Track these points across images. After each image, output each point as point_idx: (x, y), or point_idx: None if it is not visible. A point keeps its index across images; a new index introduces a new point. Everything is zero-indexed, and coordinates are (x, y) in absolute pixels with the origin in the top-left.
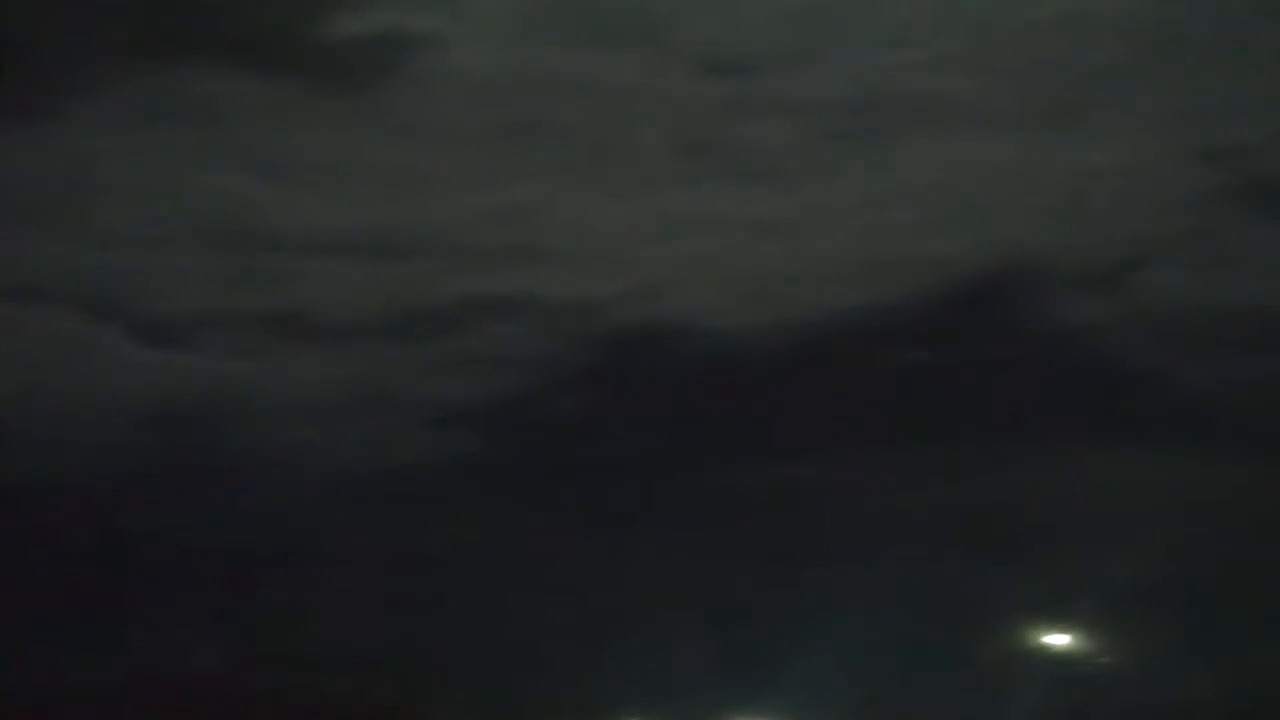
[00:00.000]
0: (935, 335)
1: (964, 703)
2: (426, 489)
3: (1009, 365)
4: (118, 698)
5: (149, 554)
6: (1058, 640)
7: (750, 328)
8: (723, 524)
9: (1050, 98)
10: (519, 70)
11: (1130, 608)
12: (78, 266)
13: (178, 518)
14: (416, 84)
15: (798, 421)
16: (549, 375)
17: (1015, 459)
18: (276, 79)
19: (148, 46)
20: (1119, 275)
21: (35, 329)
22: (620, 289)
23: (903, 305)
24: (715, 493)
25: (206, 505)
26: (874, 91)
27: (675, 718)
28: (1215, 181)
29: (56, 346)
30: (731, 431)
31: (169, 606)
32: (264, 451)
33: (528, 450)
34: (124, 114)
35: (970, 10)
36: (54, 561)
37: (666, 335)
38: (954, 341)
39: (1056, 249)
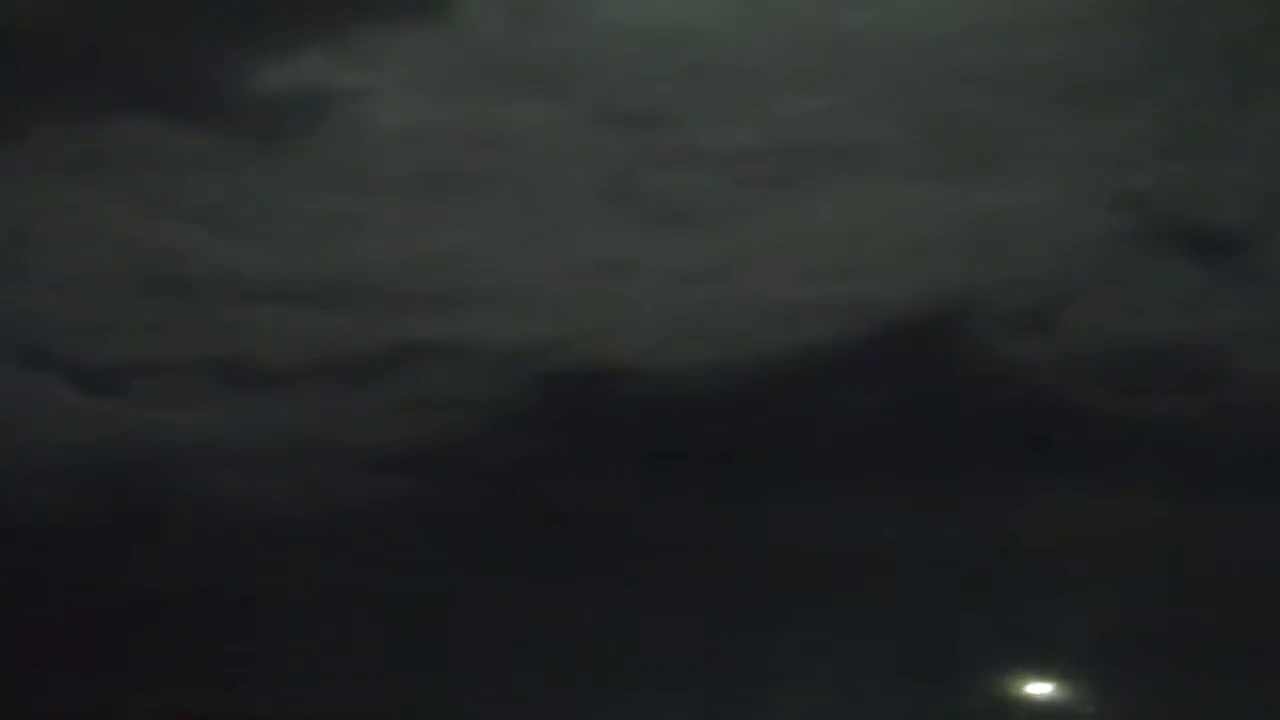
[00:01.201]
0: (867, 376)
1: None
2: (365, 534)
3: (941, 404)
4: None
5: (82, 602)
6: (1039, 690)
7: (685, 370)
8: (667, 569)
9: (963, 145)
10: (444, 122)
11: (1098, 653)
12: (12, 314)
13: (111, 566)
14: (345, 135)
15: (737, 464)
16: (487, 420)
17: (957, 497)
18: (209, 130)
19: (83, 98)
20: (1041, 315)
21: None
22: (556, 332)
23: (833, 346)
24: (658, 537)
25: (141, 553)
26: (791, 140)
27: None
28: (1126, 224)
29: None
30: (672, 474)
31: (102, 656)
32: (201, 499)
33: (466, 495)
34: (58, 164)
35: (882, 60)
36: None
37: (604, 378)
38: (886, 382)
39: (978, 290)
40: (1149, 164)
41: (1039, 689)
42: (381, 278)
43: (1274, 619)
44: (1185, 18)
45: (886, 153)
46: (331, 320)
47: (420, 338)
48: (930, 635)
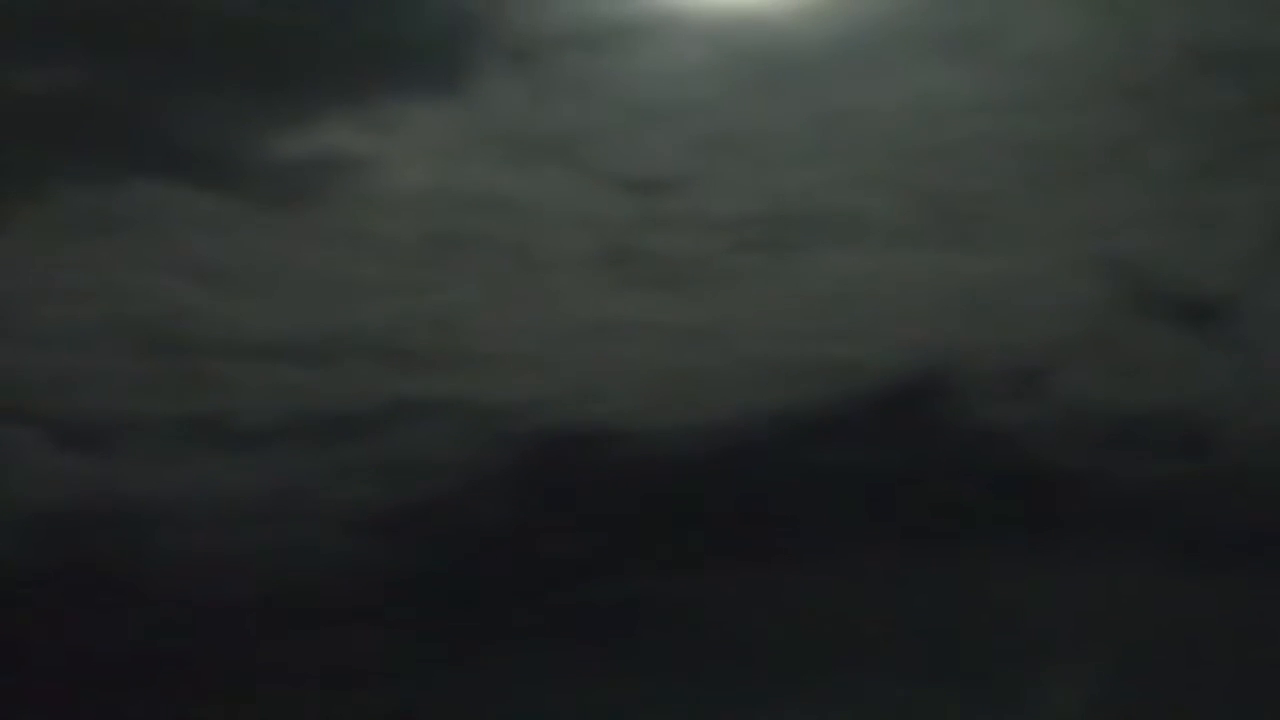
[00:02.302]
0: (854, 438)
1: None
2: (335, 599)
3: (928, 468)
4: None
5: (54, 660)
6: None
7: (672, 431)
8: (648, 635)
9: (955, 213)
10: (451, 188)
11: None
12: (2, 369)
13: (84, 625)
14: (354, 200)
15: (725, 528)
16: (467, 481)
17: (946, 561)
18: (222, 193)
19: (102, 160)
20: (1031, 380)
21: None
22: (544, 393)
23: (821, 408)
24: (641, 602)
25: (113, 613)
26: (788, 208)
27: None
28: (1114, 290)
29: None
30: (654, 538)
31: (72, 714)
32: (169, 559)
33: (442, 559)
34: (69, 223)
35: (880, 134)
36: None
37: (589, 439)
38: (873, 444)
39: (967, 354)
40: (1137, 232)
41: None
42: (373, 337)
43: (1268, 687)
44: (1171, 95)
45: (880, 221)
46: (320, 378)
47: (407, 397)
48: (913, 706)
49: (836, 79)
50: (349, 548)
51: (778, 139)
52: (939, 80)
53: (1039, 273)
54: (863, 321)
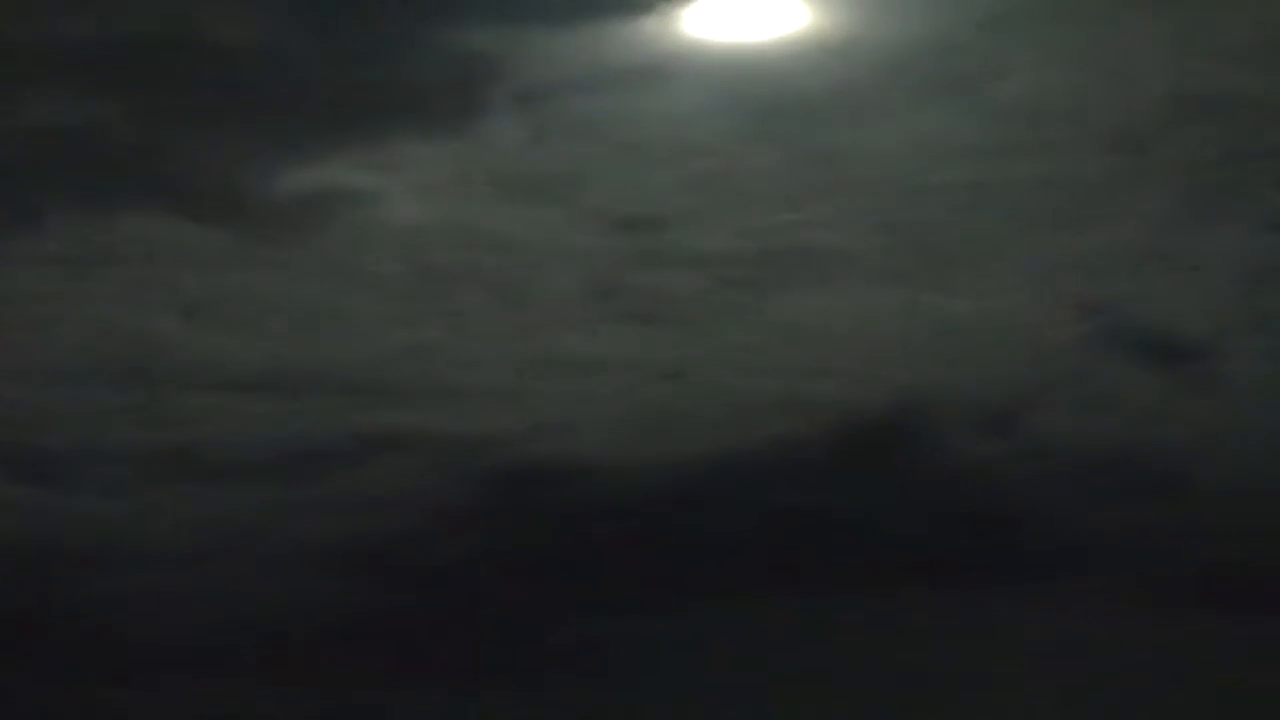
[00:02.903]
0: (826, 476)
1: None
2: (291, 639)
3: (899, 508)
4: None
5: (4, 704)
6: None
7: (641, 467)
8: (613, 677)
9: (937, 254)
10: (444, 224)
11: None
12: None
13: (36, 665)
14: (346, 235)
15: (691, 569)
16: (431, 518)
17: (914, 604)
18: (216, 227)
19: (99, 193)
20: (1003, 420)
21: None
22: (516, 428)
23: (794, 445)
24: (606, 643)
25: (67, 653)
26: (772, 246)
27: None
28: (1089, 331)
29: None
30: (622, 578)
31: None
32: (121, 597)
33: (406, 598)
34: (59, 255)
35: (863, 176)
36: None
37: (560, 474)
38: (844, 482)
39: (941, 393)
40: (1114, 276)
41: None
42: (350, 370)
43: None
44: (1153, 142)
45: (860, 260)
46: (292, 412)
47: (377, 432)
48: None
49: (830, 122)
50: (307, 586)
51: (768, 179)
52: (929, 125)
53: (1016, 313)
54: (839, 359)
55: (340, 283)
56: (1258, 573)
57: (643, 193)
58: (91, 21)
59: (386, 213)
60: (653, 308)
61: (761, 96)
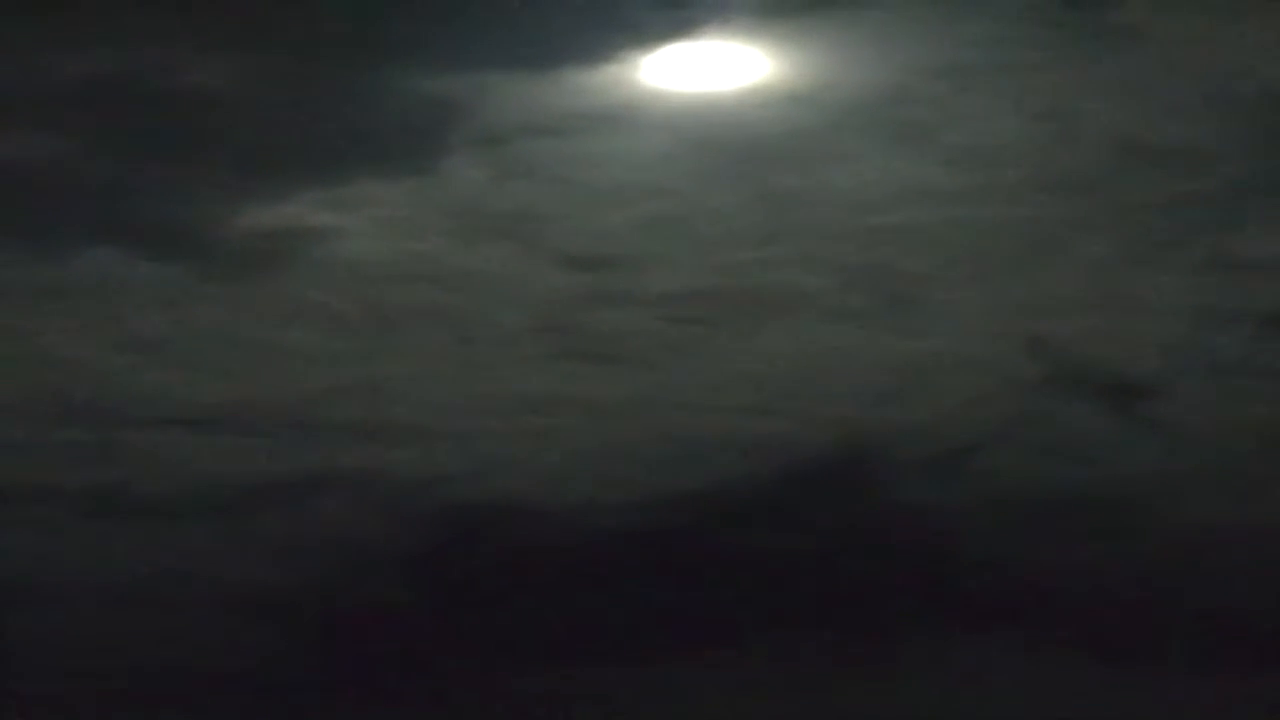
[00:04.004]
0: (773, 517)
1: None
2: (215, 687)
3: (846, 550)
4: None
5: None
6: None
7: (586, 508)
8: None
9: (889, 295)
10: (400, 262)
11: None
12: None
13: None
14: (305, 272)
15: (637, 613)
16: (369, 559)
17: (866, 649)
18: (173, 264)
19: (59, 229)
20: (953, 460)
21: None
22: (460, 467)
23: (742, 486)
24: (549, 692)
25: None
26: (725, 286)
27: None
28: (1041, 372)
29: None
30: (565, 624)
31: None
32: (44, 640)
33: (340, 643)
34: (13, 291)
35: (821, 218)
36: None
37: (502, 515)
38: (791, 524)
39: (892, 432)
40: (1065, 317)
41: None
42: (296, 408)
43: None
44: (1101, 188)
45: (814, 299)
46: (234, 449)
47: (319, 470)
48: None
49: (787, 167)
50: (241, 630)
51: (723, 220)
52: (882, 169)
53: (968, 353)
54: (791, 399)
55: (292, 319)
56: (1210, 616)
57: (598, 233)
58: (51, 60)
59: (343, 251)
60: (604, 347)
61: (720, 142)
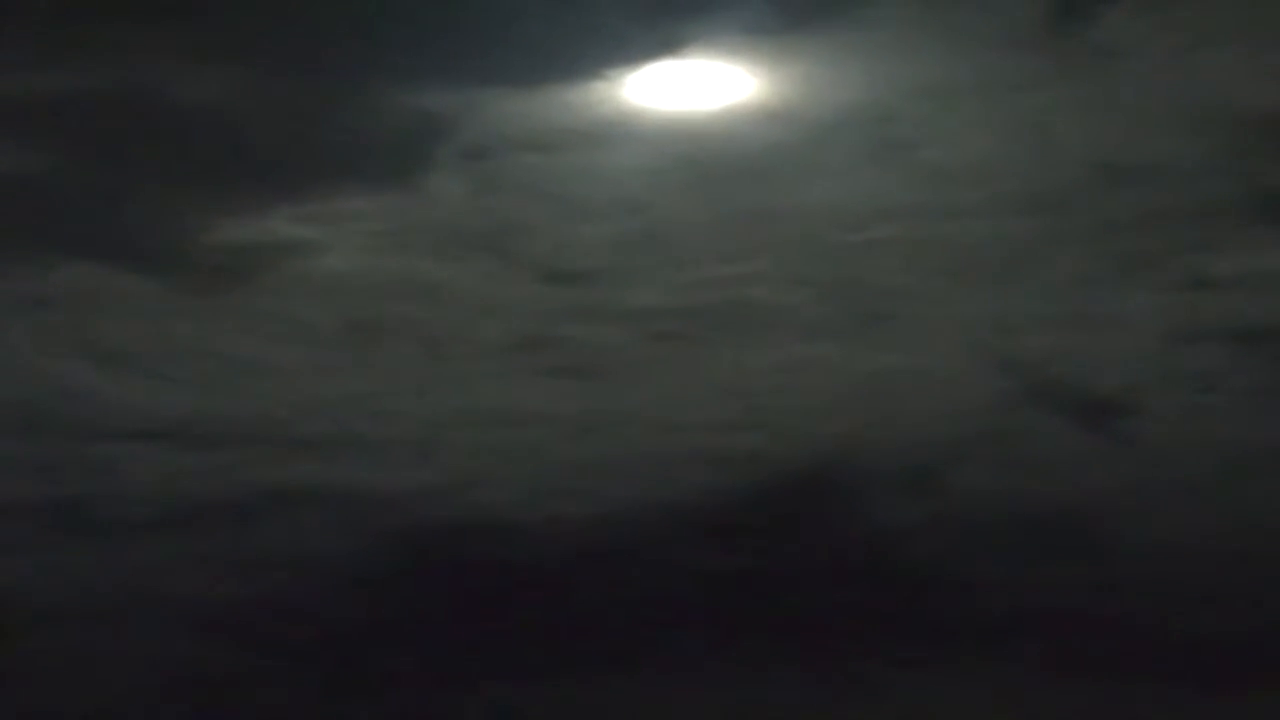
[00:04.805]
0: (746, 534)
1: None
2: (197, 702)
3: (816, 569)
4: None
5: None
6: None
7: (558, 525)
8: None
9: (864, 311)
10: (378, 276)
11: None
12: None
13: None
14: (280, 286)
15: (604, 630)
16: (334, 577)
17: (833, 667)
18: (151, 277)
19: (37, 242)
20: (924, 477)
21: None
22: (430, 482)
23: (714, 502)
24: (513, 709)
25: None
26: (702, 301)
27: None
28: (1013, 388)
29: None
30: (532, 640)
31: None
32: (20, 656)
33: (304, 661)
34: None
35: (798, 235)
36: None
37: (470, 531)
38: (763, 541)
39: (864, 448)
40: (1037, 333)
41: None
42: (268, 422)
43: None
44: (1074, 205)
45: (789, 316)
46: (203, 464)
47: (288, 485)
48: None
49: (766, 184)
50: (192, 650)
51: (702, 237)
52: (860, 187)
53: (941, 370)
54: (764, 414)
55: (267, 333)
56: (1178, 632)
57: (577, 248)
58: (29, 74)
59: (321, 264)
60: (578, 361)
61: (701, 159)
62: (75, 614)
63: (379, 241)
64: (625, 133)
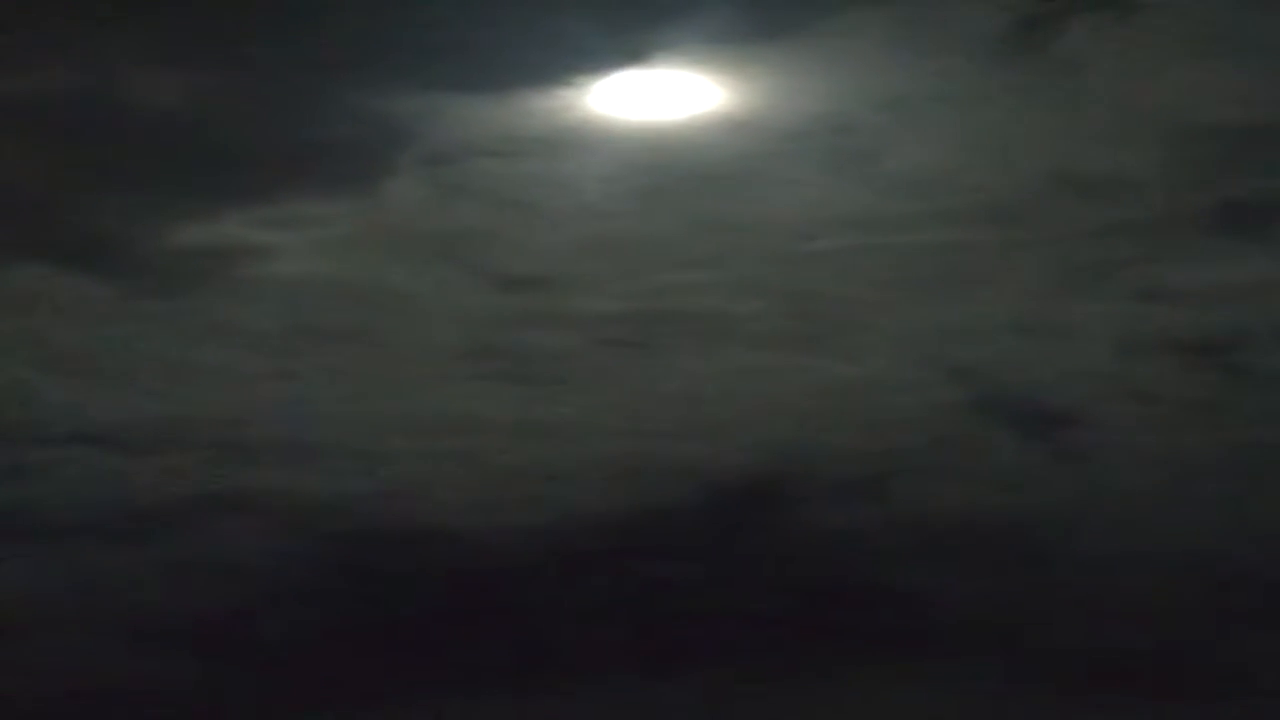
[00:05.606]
0: (689, 543)
1: None
2: (131, 715)
3: (764, 578)
4: None
5: None
6: None
7: (498, 533)
8: None
9: (818, 319)
10: (332, 281)
11: None
12: None
13: None
14: (232, 290)
15: (544, 641)
16: (275, 584)
17: (776, 680)
18: (104, 280)
19: None
20: (871, 486)
21: None
22: (372, 488)
23: (658, 510)
24: None
25: None
26: (655, 309)
27: None
28: (961, 397)
29: None
30: (470, 651)
31: None
32: None
33: (244, 672)
34: None
35: (757, 243)
36: None
37: (410, 538)
38: (706, 550)
39: (812, 456)
40: (986, 343)
41: None
42: (211, 427)
43: None
44: (1031, 216)
45: (743, 323)
46: (142, 469)
47: (227, 491)
48: None
49: (727, 192)
50: (125, 660)
51: (660, 244)
52: (819, 195)
53: (892, 379)
54: (713, 423)
55: (217, 338)
56: (1124, 644)
57: (534, 255)
58: None
59: (275, 269)
60: (527, 367)
61: (664, 167)
62: (18, 619)
63: (334, 246)
64: (589, 140)
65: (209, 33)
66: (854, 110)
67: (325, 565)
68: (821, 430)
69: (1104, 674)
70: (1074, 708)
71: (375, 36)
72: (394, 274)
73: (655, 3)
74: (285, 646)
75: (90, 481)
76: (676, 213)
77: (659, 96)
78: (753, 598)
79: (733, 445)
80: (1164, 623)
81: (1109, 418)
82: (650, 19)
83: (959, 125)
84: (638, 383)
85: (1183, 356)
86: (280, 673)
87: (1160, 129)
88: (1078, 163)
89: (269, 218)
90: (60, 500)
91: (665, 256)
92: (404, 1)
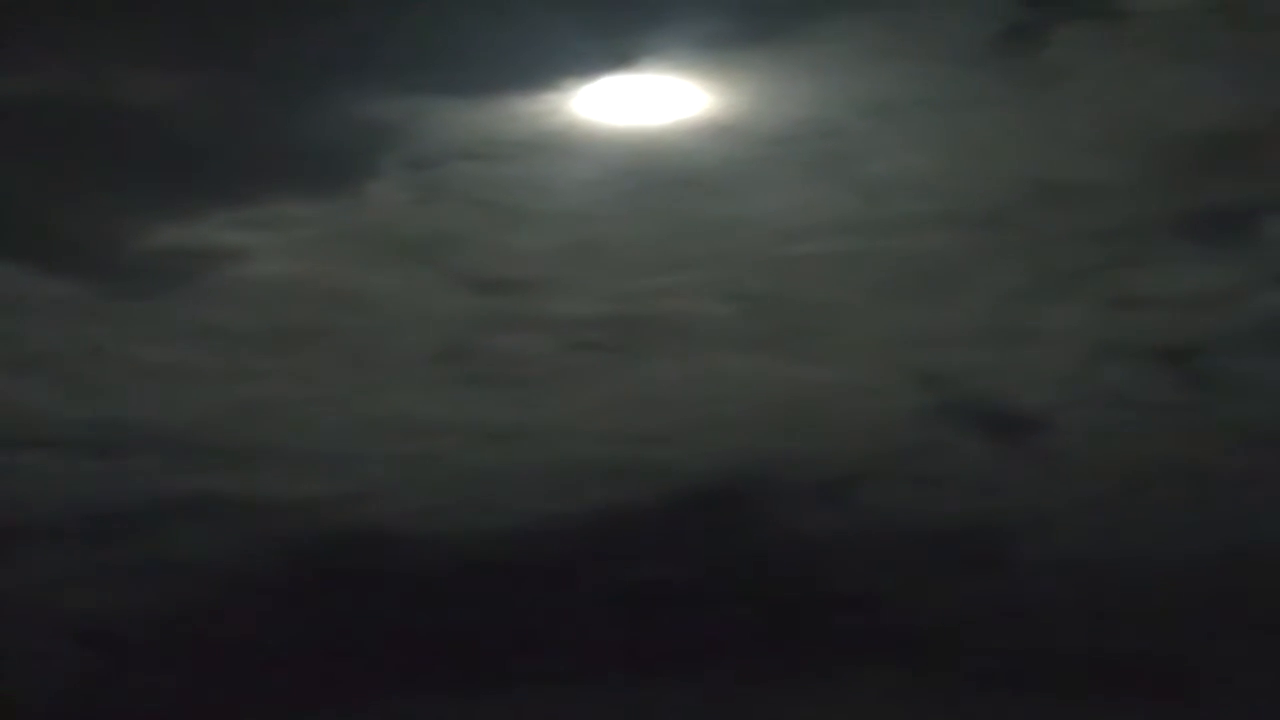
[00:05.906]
0: (652, 547)
1: None
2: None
3: (727, 583)
4: None
5: None
6: None
7: (461, 536)
8: None
9: (791, 323)
10: (308, 283)
11: None
12: None
13: None
14: (207, 292)
15: (506, 646)
16: (233, 586)
17: (739, 684)
18: (78, 281)
19: None
20: (836, 491)
21: None
22: (338, 490)
23: (622, 513)
24: None
25: None
26: (629, 312)
27: None
28: (930, 401)
29: None
30: (432, 654)
31: None
32: None
33: (211, 674)
34: None
35: (734, 247)
36: None
37: (373, 541)
38: (669, 555)
39: (779, 461)
40: (958, 348)
41: None
42: (176, 429)
43: None
44: (1007, 222)
45: (715, 327)
46: (104, 471)
47: (189, 493)
48: None
49: (708, 196)
50: (72, 661)
51: (637, 248)
52: (799, 200)
53: (862, 384)
54: (682, 426)
55: (189, 340)
56: (1090, 648)
57: (512, 257)
58: None
59: (251, 271)
60: (499, 370)
61: (646, 171)
62: None
63: (312, 248)
64: (573, 144)
65: (189, 35)
66: (838, 115)
67: (295, 567)
68: (787, 435)
69: (1077, 678)
70: (1037, 709)
71: (358, 39)
72: (374, 277)
73: (641, 7)
74: (253, 649)
75: (49, 485)
76: (659, 217)
77: (644, 101)
78: (724, 601)
79: (697, 450)
80: (1132, 628)
81: (1075, 422)
82: (636, 23)
83: (941, 131)
84: (605, 387)
85: (1151, 361)
86: (245, 675)
87: (1140, 137)
88: (1057, 169)
89: (249, 219)
90: (29, 503)
91: (643, 261)
92: (388, 4)
